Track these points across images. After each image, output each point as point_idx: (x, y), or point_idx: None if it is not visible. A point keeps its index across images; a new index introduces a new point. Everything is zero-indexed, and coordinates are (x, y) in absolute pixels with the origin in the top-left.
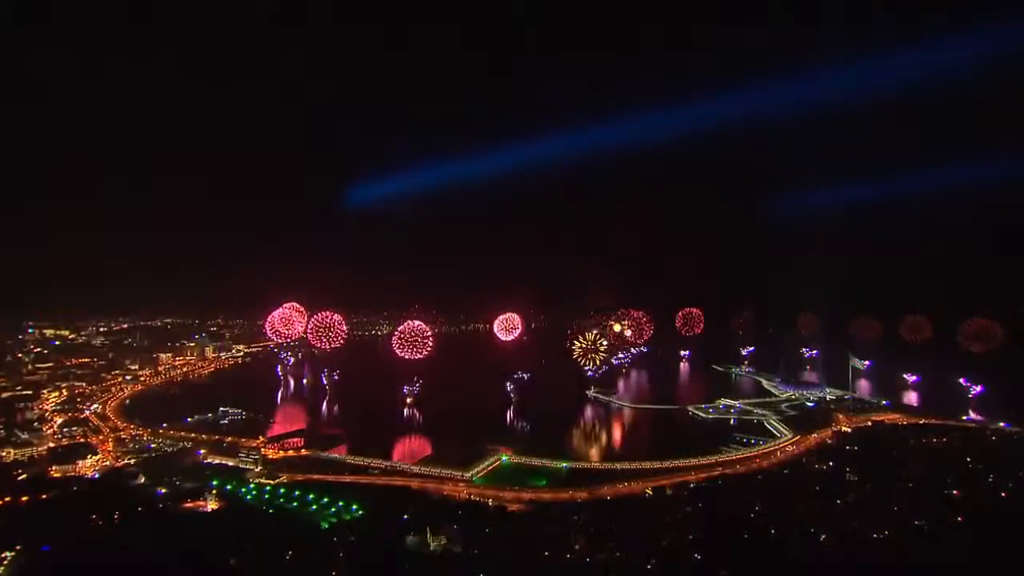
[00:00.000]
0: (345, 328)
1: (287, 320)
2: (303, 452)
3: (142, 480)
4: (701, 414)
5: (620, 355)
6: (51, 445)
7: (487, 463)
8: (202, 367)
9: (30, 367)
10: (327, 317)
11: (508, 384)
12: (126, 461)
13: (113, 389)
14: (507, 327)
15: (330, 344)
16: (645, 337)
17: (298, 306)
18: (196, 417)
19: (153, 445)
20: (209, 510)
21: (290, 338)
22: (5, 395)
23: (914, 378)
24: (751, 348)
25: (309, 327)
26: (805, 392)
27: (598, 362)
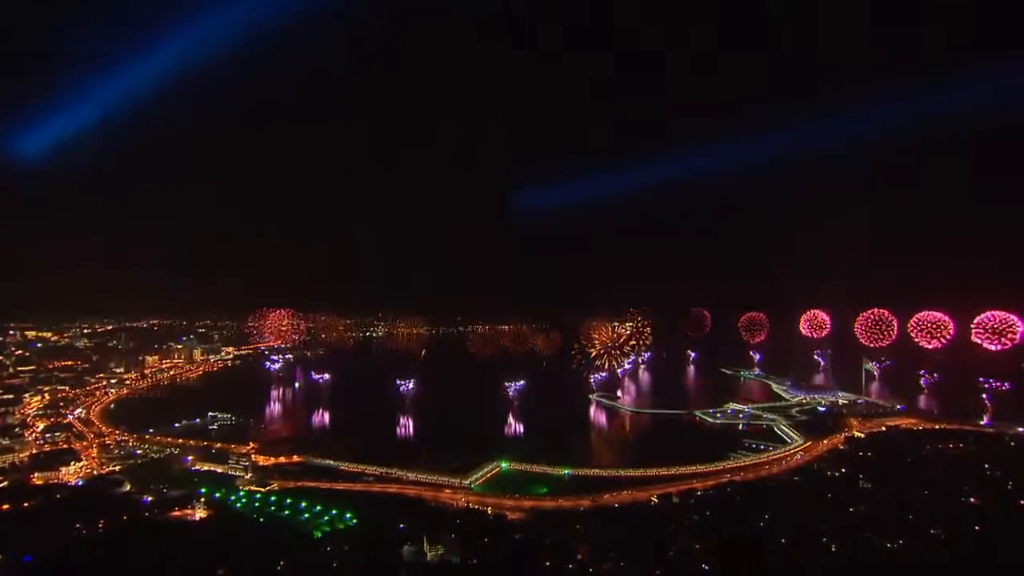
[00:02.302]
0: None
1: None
2: (295, 458)
3: (128, 488)
4: (708, 419)
5: (624, 357)
6: (33, 451)
7: (486, 470)
8: (190, 370)
9: (11, 370)
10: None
11: (508, 388)
12: (111, 468)
13: (97, 393)
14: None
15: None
16: (650, 339)
17: (292, 312)
18: (184, 422)
19: (139, 451)
20: (197, 519)
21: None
22: None
23: (935, 376)
24: (760, 351)
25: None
26: (816, 396)
27: (615, 363)
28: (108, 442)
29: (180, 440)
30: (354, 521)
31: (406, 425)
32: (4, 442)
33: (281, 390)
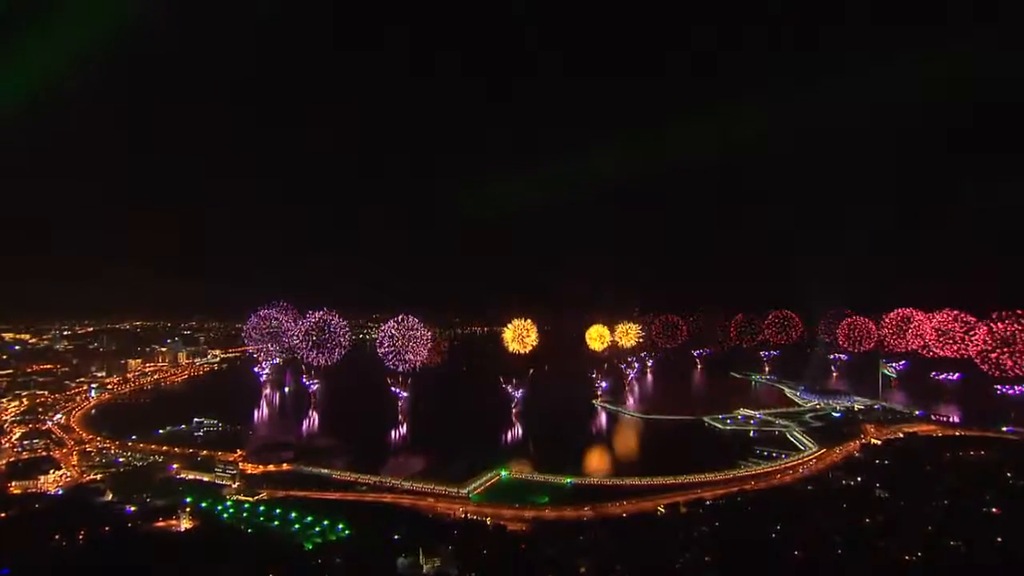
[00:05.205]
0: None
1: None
2: (285, 466)
3: (110, 497)
4: (718, 425)
5: (629, 359)
6: (10, 459)
7: (485, 478)
8: (175, 374)
9: None
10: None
11: (508, 392)
12: (92, 476)
13: (78, 398)
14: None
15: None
16: (661, 342)
17: (287, 306)
18: (168, 428)
19: (121, 459)
20: (182, 529)
21: (279, 346)
22: None
23: (955, 376)
24: (773, 352)
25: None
26: (831, 401)
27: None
28: (89, 449)
29: (164, 447)
30: (347, 532)
31: (402, 432)
32: None
33: (271, 395)
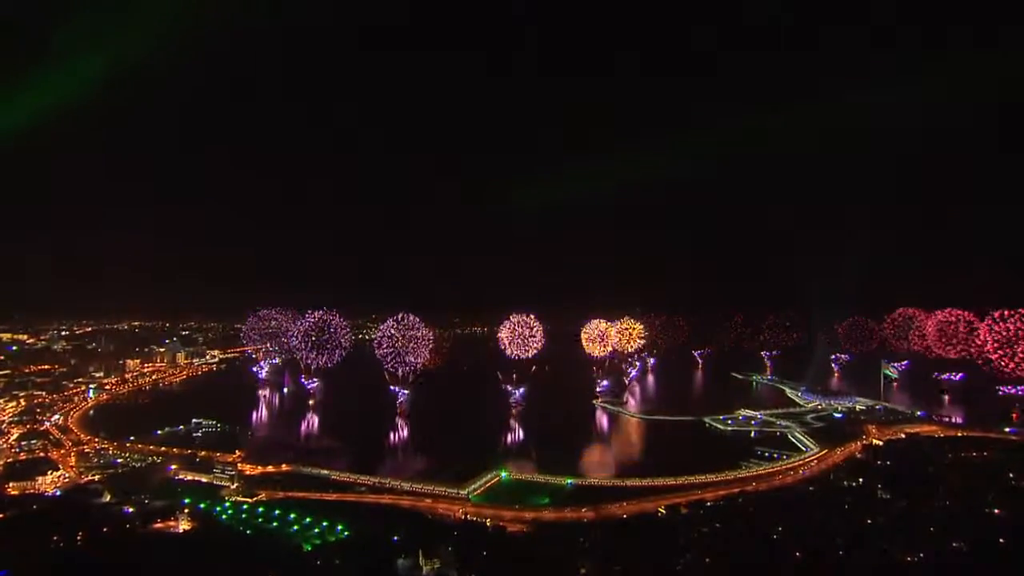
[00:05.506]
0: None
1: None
2: (284, 467)
3: (108, 498)
4: (719, 426)
5: (630, 359)
6: (8, 460)
7: (485, 479)
8: (173, 374)
9: None
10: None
11: (508, 393)
12: (90, 477)
13: (76, 398)
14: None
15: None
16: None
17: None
18: (167, 429)
19: (120, 460)
20: (181, 531)
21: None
22: None
23: (958, 376)
24: (774, 352)
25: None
26: (833, 402)
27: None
28: (87, 450)
29: (163, 448)
30: (346, 533)
31: (401, 433)
32: None
33: (270, 395)
